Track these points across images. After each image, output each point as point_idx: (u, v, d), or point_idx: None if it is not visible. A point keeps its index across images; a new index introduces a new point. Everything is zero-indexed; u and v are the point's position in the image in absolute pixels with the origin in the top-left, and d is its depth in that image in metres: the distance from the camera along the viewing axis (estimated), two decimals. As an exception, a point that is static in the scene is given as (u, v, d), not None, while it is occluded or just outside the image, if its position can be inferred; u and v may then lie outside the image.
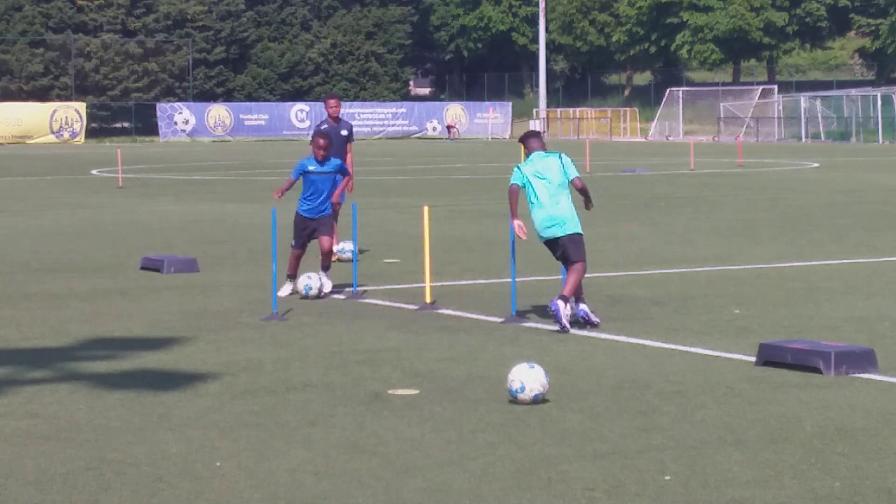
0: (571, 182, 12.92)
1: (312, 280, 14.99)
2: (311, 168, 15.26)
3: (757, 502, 7.08)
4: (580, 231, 12.93)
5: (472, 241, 21.01)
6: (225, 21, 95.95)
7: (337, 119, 18.68)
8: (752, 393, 9.78)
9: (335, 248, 18.39)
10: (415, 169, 48.56)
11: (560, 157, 12.96)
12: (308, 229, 15.29)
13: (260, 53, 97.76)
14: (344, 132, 18.64)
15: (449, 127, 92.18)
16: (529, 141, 13.22)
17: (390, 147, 76.73)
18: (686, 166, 46.99)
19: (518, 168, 13.09)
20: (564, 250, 12.82)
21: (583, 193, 13.00)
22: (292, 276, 15.29)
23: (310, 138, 19.25)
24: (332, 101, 18.76)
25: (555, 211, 12.82)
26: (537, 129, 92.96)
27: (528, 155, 13.19)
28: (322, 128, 18.74)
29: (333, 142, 18.57)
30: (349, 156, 18.57)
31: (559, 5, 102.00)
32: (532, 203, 12.94)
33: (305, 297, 14.87)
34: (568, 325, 12.40)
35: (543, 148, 13.17)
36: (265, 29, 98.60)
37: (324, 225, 15.29)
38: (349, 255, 17.42)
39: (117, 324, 13.33)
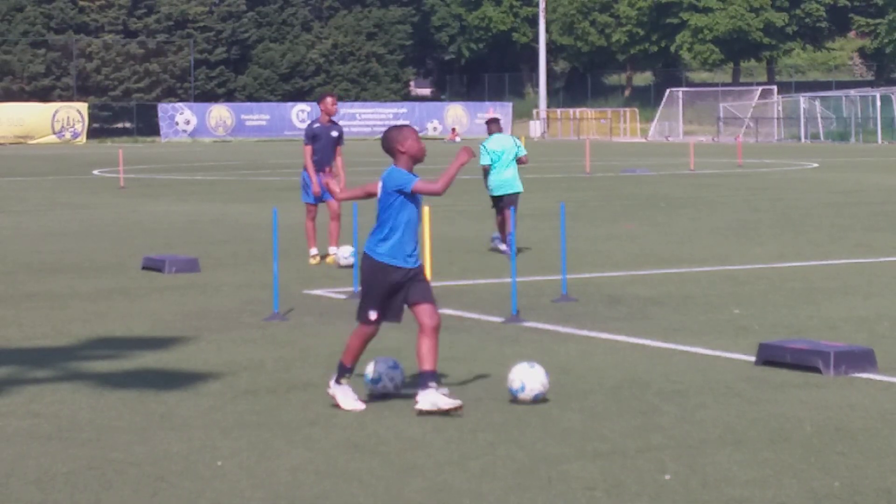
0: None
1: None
2: None
3: (756, 502, 7.10)
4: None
5: (472, 241, 21.01)
6: (226, 22, 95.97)
7: (330, 120, 18.64)
8: (752, 393, 9.80)
9: (331, 250, 18.38)
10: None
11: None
12: None
13: (261, 54, 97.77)
14: (335, 133, 18.59)
15: (452, 130, 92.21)
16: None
17: (391, 147, 76.50)
18: (686, 167, 46.99)
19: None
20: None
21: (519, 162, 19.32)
22: None
23: (303, 138, 19.19)
24: (331, 99, 18.63)
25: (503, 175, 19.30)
26: (542, 129, 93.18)
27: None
28: (315, 126, 18.73)
29: (324, 142, 18.60)
30: (339, 158, 18.63)
31: (560, 6, 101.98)
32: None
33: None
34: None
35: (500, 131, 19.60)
36: (266, 30, 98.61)
37: None
38: (351, 259, 16.94)
39: (119, 324, 13.35)
